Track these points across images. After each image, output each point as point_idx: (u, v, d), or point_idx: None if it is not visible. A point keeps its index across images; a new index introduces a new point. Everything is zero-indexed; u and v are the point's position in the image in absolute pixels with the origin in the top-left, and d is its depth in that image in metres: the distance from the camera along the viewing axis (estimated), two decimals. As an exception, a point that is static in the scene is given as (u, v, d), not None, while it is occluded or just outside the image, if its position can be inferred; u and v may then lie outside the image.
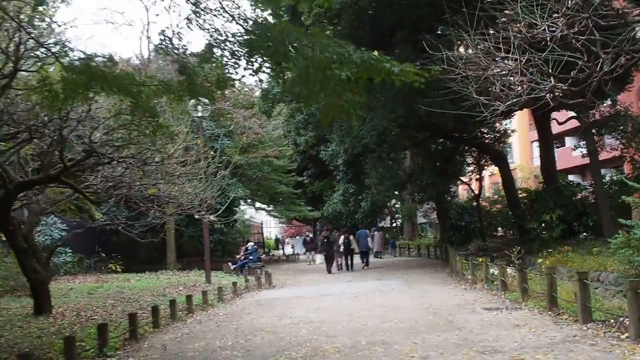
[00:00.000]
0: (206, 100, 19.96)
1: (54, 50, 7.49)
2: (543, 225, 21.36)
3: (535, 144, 51.38)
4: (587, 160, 37.24)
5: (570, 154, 38.37)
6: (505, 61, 7.50)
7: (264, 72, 7.32)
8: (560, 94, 7.76)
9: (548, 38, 7.31)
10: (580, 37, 7.15)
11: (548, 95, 7.60)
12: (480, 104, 8.68)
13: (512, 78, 7.75)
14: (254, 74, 7.21)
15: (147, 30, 35.51)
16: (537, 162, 48.47)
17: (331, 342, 8.04)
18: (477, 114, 8.96)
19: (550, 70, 7.45)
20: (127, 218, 16.38)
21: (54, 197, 13.83)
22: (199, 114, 18.19)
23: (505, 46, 7.60)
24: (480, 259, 15.66)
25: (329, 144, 26.08)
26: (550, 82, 7.50)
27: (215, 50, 7.00)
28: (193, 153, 11.72)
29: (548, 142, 23.66)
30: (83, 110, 9.39)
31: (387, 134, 19.84)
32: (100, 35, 35.36)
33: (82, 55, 7.24)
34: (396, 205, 42.04)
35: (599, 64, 7.21)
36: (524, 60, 7.42)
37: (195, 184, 12.86)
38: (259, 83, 20.87)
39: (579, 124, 35.37)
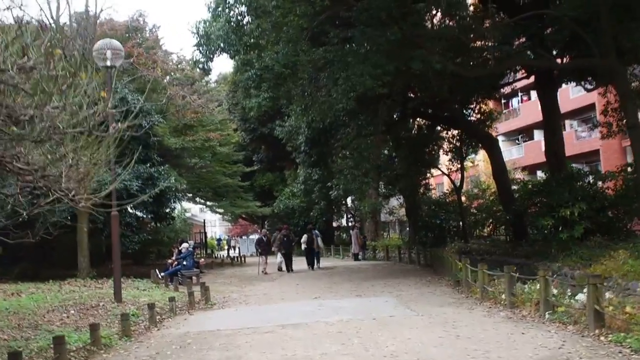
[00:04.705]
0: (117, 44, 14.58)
1: None
2: (552, 223, 16.83)
3: (502, 138, 48.35)
4: (569, 152, 33.77)
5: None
6: None
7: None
8: None
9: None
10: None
11: None
12: None
13: None
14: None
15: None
16: (506, 156, 45.08)
17: None
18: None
19: None
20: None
21: None
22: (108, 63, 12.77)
23: None
24: (519, 272, 10.94)
25: (287, 118, 20.77)
26: None
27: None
28: (60, 81, 6.23)
29: (555, 122, 19.34)
30: None
31: (369, 99, 14.84)
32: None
33: None
34: (355, 202, 37.35)
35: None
36: None
37: (74, 146, 7.39)
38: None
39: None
